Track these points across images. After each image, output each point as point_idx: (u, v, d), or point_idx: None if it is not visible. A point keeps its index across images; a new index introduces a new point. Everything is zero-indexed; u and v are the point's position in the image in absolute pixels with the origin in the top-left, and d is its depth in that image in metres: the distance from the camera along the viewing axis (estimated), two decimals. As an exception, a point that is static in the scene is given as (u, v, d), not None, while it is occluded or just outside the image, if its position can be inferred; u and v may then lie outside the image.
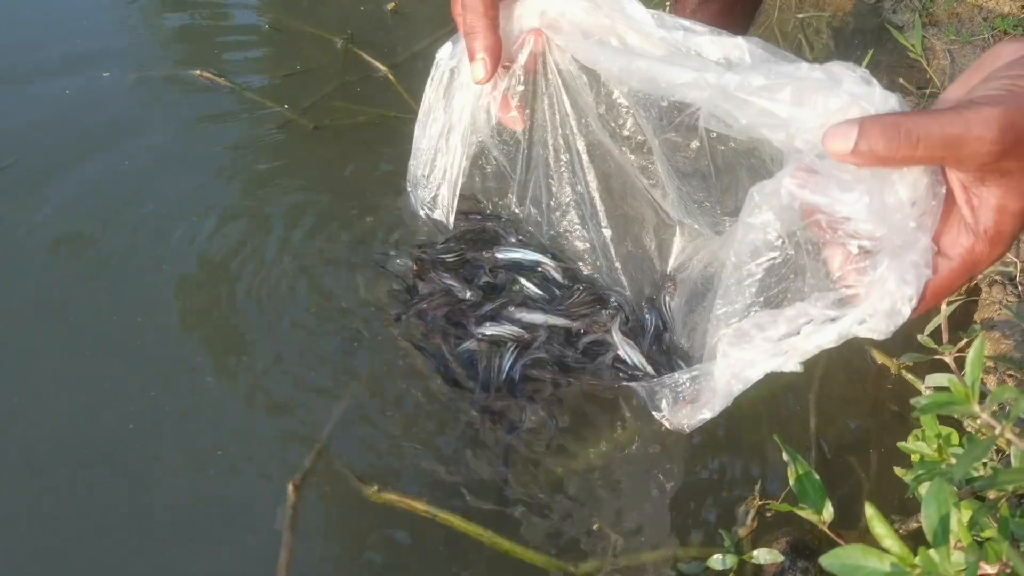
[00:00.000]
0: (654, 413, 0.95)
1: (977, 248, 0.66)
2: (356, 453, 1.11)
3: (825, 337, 0.73)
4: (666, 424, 0.94)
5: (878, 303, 0.69)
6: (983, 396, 0.77)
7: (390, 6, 1.93)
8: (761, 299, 0.80)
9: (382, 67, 1.74)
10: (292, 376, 1.18)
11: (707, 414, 0.88)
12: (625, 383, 1.06)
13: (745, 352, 0.80)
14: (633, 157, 1.01)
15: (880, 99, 0.66)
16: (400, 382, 1.18)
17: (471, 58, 0.88)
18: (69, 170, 1.46)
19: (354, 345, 1.22)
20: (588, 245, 1.16)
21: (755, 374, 0.79)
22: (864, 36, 2.06)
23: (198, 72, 1.67)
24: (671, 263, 1.11)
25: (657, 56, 0.81)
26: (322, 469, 1.09)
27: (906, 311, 0.68)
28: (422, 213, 1.12)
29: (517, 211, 1.18)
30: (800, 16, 2.11)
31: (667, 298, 1.11)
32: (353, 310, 1.26)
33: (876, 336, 0.70)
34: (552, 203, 1.14)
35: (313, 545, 1.03)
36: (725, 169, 0.92)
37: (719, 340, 0.82)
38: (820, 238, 0.72)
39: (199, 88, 1.66)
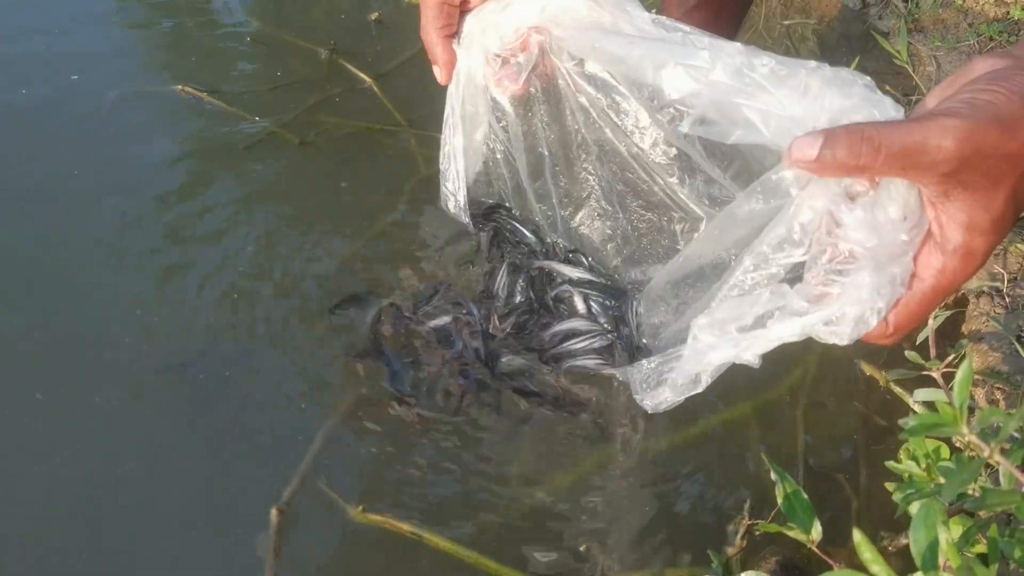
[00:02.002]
0: (635, 396, 0.93)
1: (948, 267, 0.66)
2: (341, 476, 1.10)
3: (788, 330, 0.72)
4: (645, 407, 0.91)
5: (848, 308, 0.68)
6: (972, 411, 0.76)
7: (374, 16, 1.92)
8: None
9: (367, 78, 1.73)
10: (275, 400, 1.17)
11: (671, 396, 0.86)
12: (603, 369, 1.08)
13: (713, 338, 0.79)
14: (644, 152, 1.00)
15: (891, 108, 0.66)
16: (384, 404, 1.16)
17: (432, 62, 1.02)
18: (43, 189, 1.44)
19: (338, 367, 1.20)
20: (602, 237, 1.16)
21: (717, 359, 0.78)
22: (850, 42, 2.06)
23: (180, 87, 1.65)
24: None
25: (661, 45, 0.81)
26: (307, 493, 1.07)
27: (873, 322, 0.68)
28: (449, 207, 1.12)
29: (530, 194, 1.16)
30: (786, 23, 2.11)
31: (634, 303, 1.13)
32: (336, 333, 1.25)
33: (837, 341, 0.69)
34: (563, 198, 1.14)
35: (298, 571, 1.02)
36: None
37: (694, 324, 0.80)
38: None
39: (181, 103, 1.64)
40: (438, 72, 1.02)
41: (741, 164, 0.89)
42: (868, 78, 0.68)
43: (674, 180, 0.99)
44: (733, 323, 0.77)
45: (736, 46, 0.77)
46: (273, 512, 1.04)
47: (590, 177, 1.10)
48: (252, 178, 1.49)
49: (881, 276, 0.67)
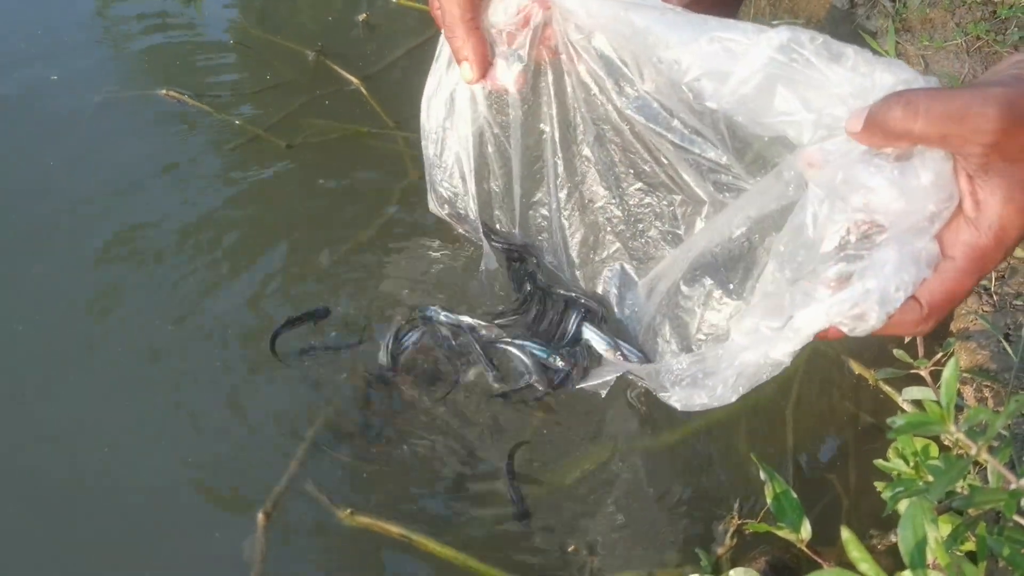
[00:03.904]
0: (660, 395, 0.92)
1: (981, 243, 0.63)
2: (328, 479, 1.09)
3: (813, 320, 0.70)
4: (674, 405, 0.90)
5: (871, 283, 0.66)
6: (960, 409, 0.76)
7: (361, 17, 1.91)
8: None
9: (354, 80, 1.72)
10: (260, 403, 1.16)
11: (706, 399, 0.85)
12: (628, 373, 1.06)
13: (746, 339, 0.78)
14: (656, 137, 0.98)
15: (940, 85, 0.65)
16: (369, 407, 1.16)
17: (457, 60, 0.90)
18: (28, 196, 1.42)
19: (324, 371, 1.20)
20: (597, 221, 1.13)
21: (750, 359, 0.77)
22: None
23: (164, 91, 1.63)
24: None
25: (690, 18, 0.78)
26: (293, 496, 1.07)
27: (900, 297, 0.66)
28: (438, 209, 1.10)
29: (518, 189, 1.14)
30: (775, 23, 2.10)
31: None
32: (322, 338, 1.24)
33: (865, 326, 0.67)
34: (561, 182, 1.10)
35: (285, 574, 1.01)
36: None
37: (732, 326, 0.80)
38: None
39: (165, 108, 1.62)
40: (468, 69, 0.91)
41: (757, 151, 0.88)
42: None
43: (681, 163, 0.96)
44: (765, 323, 0.76)
45: (778, 28, 0.74)
46: (259, 516, 1.03)
47: (588, 159, 1.06)
48: (237, 183, 1.48)
49: (904, 251, 0.65)
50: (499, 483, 1.09)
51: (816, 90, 0.69)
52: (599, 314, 1.14)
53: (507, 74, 0.94)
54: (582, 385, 1.12)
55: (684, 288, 1.02)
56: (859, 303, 0.67)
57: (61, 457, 1.09)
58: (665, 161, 0.98)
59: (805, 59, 0.70)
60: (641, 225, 1.09)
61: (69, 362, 1.19)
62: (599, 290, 1.17)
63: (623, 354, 1.09)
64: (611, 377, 1.10)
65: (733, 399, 0.83)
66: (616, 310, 1.16)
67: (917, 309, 0.66)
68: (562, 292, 1.18)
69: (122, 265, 1.31)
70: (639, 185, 1.05)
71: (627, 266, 1.13)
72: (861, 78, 0.67)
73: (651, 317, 1.07)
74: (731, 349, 0.80)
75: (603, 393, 1.11)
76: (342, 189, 1.48)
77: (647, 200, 1.06)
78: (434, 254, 1.33)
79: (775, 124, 0.72)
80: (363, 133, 1.60)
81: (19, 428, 1.12)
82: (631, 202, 1.07)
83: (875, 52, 0.68)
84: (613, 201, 1.09)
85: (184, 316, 1.24)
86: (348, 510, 1.05)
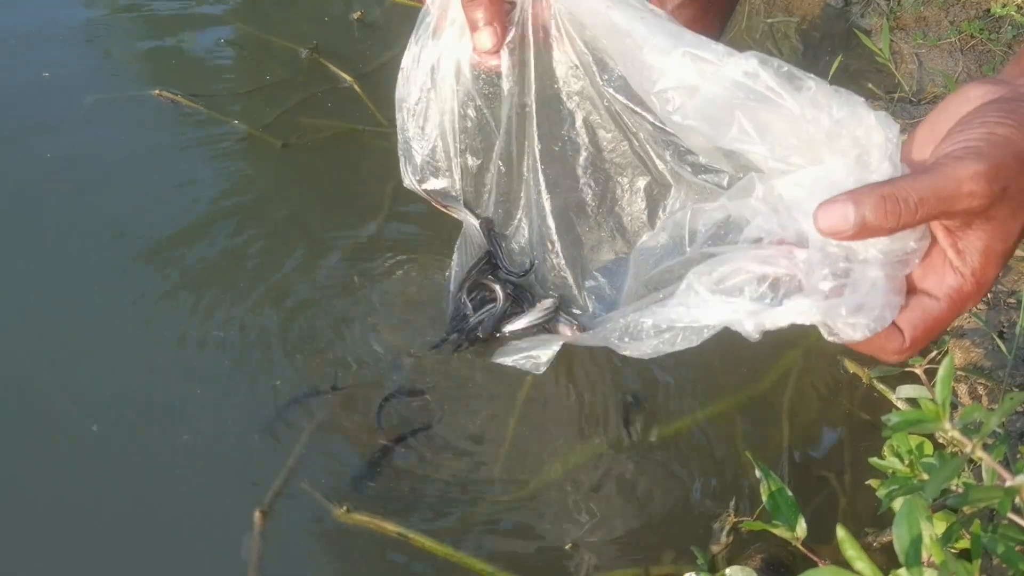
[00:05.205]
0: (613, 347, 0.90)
1: (965, 288, 0.67)
2: (324, 477, 1.09)
3: (806, 312, 0.67)
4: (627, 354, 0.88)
5: (867, 299, 0.66)
6: (955, 406, 0.76)
7: (356, 15, 1.91)
8: None
9: (348, 77, 1.72)
10: (255, 402, 1.16)
11: (658, 346, 0.82)
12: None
13: (710, 294, 0.76)
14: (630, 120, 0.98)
15: (889, 122, 0.67)
16: (367, 405, 1.16)
17: (473, 27, 0.87)
18: (18, 195, 1.42)
19: (319, 369, 1.20)
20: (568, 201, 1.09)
21: (710, 320, 0.74)
22: (832, 40, 2.07)
23: (156, 91, 1.63)
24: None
25: (669, 28, 0.79)
26: (290, 494, 1.07)
27: (888, 318, 0.67)
28: (415, 184, 1.08)
29: (501, 166, 1.12)
30: (769, 21, 2.11)
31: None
32: (317, 338, 1.24)
33: (853, 334, 0.67)
34: (535, 157, 1.07)
35: (283, 573, 1.01)
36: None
37: (691, 272, 0.77)
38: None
39: (158, 108, 1.61)
40: (489, 36, 0.86)
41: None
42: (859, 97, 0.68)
43: (657, 146, 0.97)
44: (735, 282, 0.74)
45: (746, 53, 0.76)
46: (256, 514, 1.03)
47: (567, 137, 1.04)
48: (231, 183, 1.47)
49: (894, 279, 0.67)
50: (495, 482, 1.09)
51: (774, 118, 0.71)
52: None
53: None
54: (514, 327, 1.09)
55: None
56: (853, 312, 0.68)
57: (48, 455, 1.09)
58: (640, 141, 0.98)
59: (767, 87, 0.71)
60: (615, 206, 1.09)
61: (58, 367, 1.19)
62: (572, 271, 1.15)
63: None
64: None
65: (693, 345, 0.77)
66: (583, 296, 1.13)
67: (900, 339, 0.69)
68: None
69: (123, 266, 1.32)
70: (614, 162, 1.05)
71: (603, 247, 1.12)
72: (817, 110, 0.69)
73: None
74: (688, 301, 0.76)
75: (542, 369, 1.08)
76: (334, 189, 1.48)
77: (620, 179, 1.06)
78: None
79: (733, 148, 0.74)
80: (358, 131, 1.60)
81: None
82: (606, 181, 1.07)
83: (835, 86, 0.70)
84: (588, 181, 1.08)
85: (178, 316, 1.24)
86: (344, 507, 1.05)
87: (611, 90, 0.96)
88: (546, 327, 1.10)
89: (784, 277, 0.72)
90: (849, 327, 0.68)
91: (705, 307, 0.75)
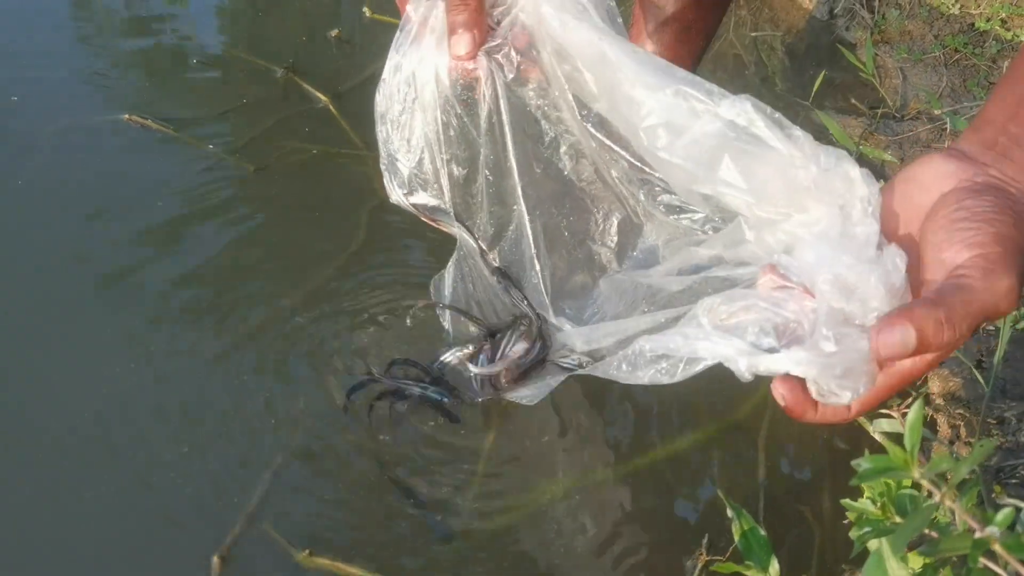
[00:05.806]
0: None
1: (916, 369, 0.69)
2: (286, 519, 1.06)
3: (805, 366, 0.67)
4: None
5: (858, 366, 0.66)
6: (931, 439, 0.73)
7: (333, 33, 1.89)
8: None
9: (323, 97, 1.69)
10: (216, 441, 1.13)
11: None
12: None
13: (712, 328, 0.74)
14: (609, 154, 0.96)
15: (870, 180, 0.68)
16: (329, 447, 1.13)
17: (452, 31, 0.86)
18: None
19: (283, 405, 1.17)
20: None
21: (707, 353, 0.72)
22: (818, 53, 2.05)
23: (126, 116, 1.59)
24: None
25: (659, 65, 0.78)
26: (250, 537, 1.04)
27: (861, 390, 0.67)
28: (403, 199, 1.05)
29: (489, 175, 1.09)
30: (754, 34, 2.09)
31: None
32: (283, 381, 1.21)
33: (840, 398, 0.67)
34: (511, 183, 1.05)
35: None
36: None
37: (701, 304, 0.76)
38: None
39: (130, 133, 1.57)
40: (467, 41, 0.85)
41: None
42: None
43: (630, 183, 0.96)
44: (740, 320, 0.72)
45: (740, 96, 0.75)
46: (215, 560, 1.00)
47: (544, 158, 1.03)
48: (202, 208, 1.44)
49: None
50: (463, 520, 1.07)
51: (761, 163, 0.71)
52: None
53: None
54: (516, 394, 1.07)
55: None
56: (843, 376, 0.67)
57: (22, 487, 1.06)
58: (613, 177, 0.97)
59: (760, 130, 0.71)
60: (587, 237, 1.07)
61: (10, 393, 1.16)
62: (550, 295, 1.12)
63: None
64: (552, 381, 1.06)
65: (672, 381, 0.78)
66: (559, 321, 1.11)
67: (845, 409, 0.71)
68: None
69: (83, 297, 1.29)
70: (587, 191, 1.04)
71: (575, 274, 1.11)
72: (805, 158, 0.70)
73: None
74: (687, 333, 0.74)
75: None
76: (310, 213, 1.46)
77: (595, 211, 1.05)
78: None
79: (717, 190, 0.74)
80: (334, 154, 1.58)
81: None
82: (581, 212, 1.06)
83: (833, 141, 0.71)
84: (565, 209, 1.07)
85: (139, 349, 1.21)
86: (307, 551, 1.02)
87: (589, 126, 0.94)
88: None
89: (791, 323, 0.71)
90: (837, 387, 0.67)
91: (705, 340, 0.74)
